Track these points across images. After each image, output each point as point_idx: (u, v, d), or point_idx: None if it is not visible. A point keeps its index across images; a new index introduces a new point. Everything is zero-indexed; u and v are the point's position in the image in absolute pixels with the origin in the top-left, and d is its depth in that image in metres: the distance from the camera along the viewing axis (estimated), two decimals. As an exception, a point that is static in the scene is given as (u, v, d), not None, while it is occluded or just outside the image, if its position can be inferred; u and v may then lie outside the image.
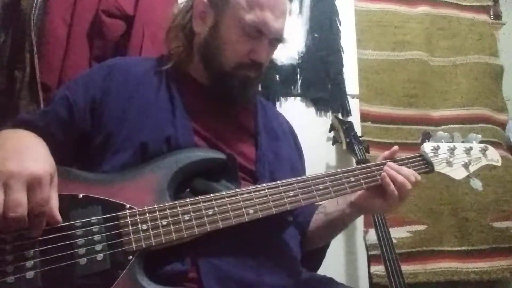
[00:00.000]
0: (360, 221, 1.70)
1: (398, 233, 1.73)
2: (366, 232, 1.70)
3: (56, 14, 1.28)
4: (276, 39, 0.92)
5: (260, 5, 0.86)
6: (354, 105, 1.81)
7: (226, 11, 0.88)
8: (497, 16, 2.20)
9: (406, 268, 1.62)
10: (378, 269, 1.63)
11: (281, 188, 0.79)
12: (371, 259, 1.67)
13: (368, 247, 1.68)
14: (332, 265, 1.45)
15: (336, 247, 1.64)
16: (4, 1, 1.28)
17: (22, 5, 1.26)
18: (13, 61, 1.26)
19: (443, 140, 1.00)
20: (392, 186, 0.85)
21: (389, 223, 1.48)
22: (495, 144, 1.92)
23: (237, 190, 0.77)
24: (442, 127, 1.93)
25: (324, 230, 0.98)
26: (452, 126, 1.94)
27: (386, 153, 0.93)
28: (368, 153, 1.63)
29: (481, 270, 1.75)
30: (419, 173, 0.90)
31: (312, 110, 1.77)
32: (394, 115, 1.89)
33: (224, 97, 0.92)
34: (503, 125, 2.01)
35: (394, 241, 1.46)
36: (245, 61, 0.89)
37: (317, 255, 1.03)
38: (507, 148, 1.96)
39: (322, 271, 1.00)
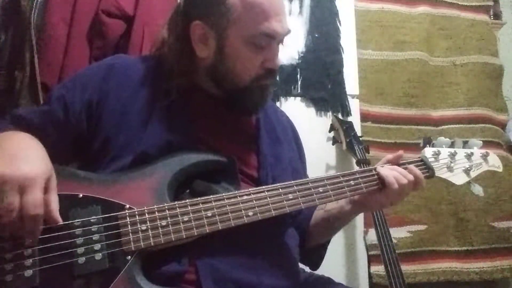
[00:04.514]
0: (360, 221, 1.70)
1: (398, 233, 1.72)
2: (366, 232, 1.69)
3: (56, 14, 1.28)
4: (284, 38, 0.90)
5: (264, 14, 0.83)
6: (354, 105, 1.81)
7: (228, 30, 0.84)
8: (497, 16, 2.20)
9: (406, 268, 1.62)
10: (378, 269, 1.63)
11: (281, 190, 0.79)
12: (371, 259, 1.67)
13: (368, 247, 1.68)
14: (332, 265, 1.45)
15: (336, 247, 1.63)
16: (4, 1, 1.28)
17: (22, 5, 1.26)
18: (13, 61, 1.26)
19: (444, 146, 1.00)
20: (396, 185, 0.85)
21: (389, 223, 1.48)
22: (495, 144, 1.93)
23: (236, 192, 0.77)
24: (442, 127, 1.93)
25: (324, 227, 0.99)
26: (452, 126, 1.94)
27: (390, 156, 0.92)
28: (368, 153, 1.63)
29: (481, 270, 1.75)
30: None
31: (312, 110, 1.76)
32: (394, 115, 1.89)
33: (242, 110, 0.92)
34: (503, 125, 2.01)
35: (394, 241, 1.46)
36: (260, 72, 0.87)
37: (317, 252, 1.03)
38: (507, 148, 1.96)
39: (322, 271, 1.00)
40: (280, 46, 0.92)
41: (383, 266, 1.40)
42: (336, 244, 1.63)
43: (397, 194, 0.86)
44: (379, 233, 1.44)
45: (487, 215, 1.83)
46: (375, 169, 0.89)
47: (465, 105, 1.98)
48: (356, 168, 1.57)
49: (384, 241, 1.42)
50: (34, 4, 1.27)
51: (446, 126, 1.94)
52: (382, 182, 0.88)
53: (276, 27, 0.84)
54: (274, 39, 0.86)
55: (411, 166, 0.91)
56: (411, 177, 0.88)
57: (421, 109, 1.92)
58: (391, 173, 0.87)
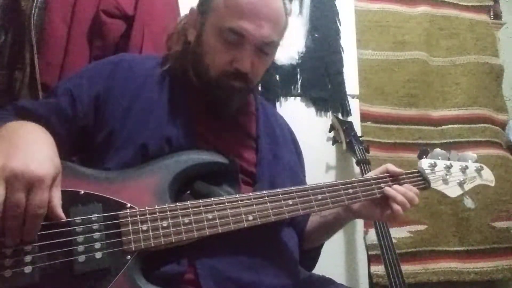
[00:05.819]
0: (360, 221, 1.70)
1: (398, 233, 1.73)
2: (366, 232, 1.70)
3: (56, 14, 1.28)
4: (263, 46, 0.86)
5: (239, 11, 0.82)
6: (354, 105, 1.81)
7: (208, 18, 0.87)
8: (497, 16, 2.20)
9: (406, 268, 1.62)
10: (378, 269, 1.63)
11: (281, 196, 0.80)
12: (371, 259, 1.67)
13: (368, 247, 1.68)
14: (332, 265, 1.46)
15: (336, 247, 1.64)
16: (4, 1, 1.28)
17: (22, 5, 1.26)
18: (13, 61, 1.26)
19: (440, 157, 1.01)
20: (401, 211, 0.86)
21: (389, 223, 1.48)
22: (495, 144, 1.93)
23: (237, 196, 0.78)
24: (442, 127, 1.94)
25: (319, 231, 0.99)
26: (452, 126, 1.95)
27: (391, 169, 0.92)
28: (368, 153, 1.63)
29: (481, 270, 1.75)
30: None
31: (312, 110, 1.76)
32: (394, 115, 1.89)
33: (211, 105, 0.91)
34: (503, 125, 2.01)
35: (394, 241, 1.45)
36: (228, 69, 0.86)
37: (312, 255, 1.04)
38: (507, 148, 1.96)
39: (322, 271, 1.00)
40: (279, 48, 0.92)
41: (383, 266, 1.40)
42: (336, 244, 1.64)
43: (396, 217, 0.87)
44: (379, 233, 1.44)
45: (487, 215, 1.83)
46: (374, 179, 0.90)
47: (465, 105, 1.99)
48: (356, 168, 1.58)
49: (384, 241, 1.42)
50: (34, 4, 1.26)
51: (446, 126, 1.94)
52: (382, 198, 0.89)
53: (247, 28, 0.82)
54: (243, 38, 0.84)
55: (410, 186, 0.91)
56: (416, 201, 0.89)
57: (421, 109, 1.92)
58: (399, 198, 0.87)
